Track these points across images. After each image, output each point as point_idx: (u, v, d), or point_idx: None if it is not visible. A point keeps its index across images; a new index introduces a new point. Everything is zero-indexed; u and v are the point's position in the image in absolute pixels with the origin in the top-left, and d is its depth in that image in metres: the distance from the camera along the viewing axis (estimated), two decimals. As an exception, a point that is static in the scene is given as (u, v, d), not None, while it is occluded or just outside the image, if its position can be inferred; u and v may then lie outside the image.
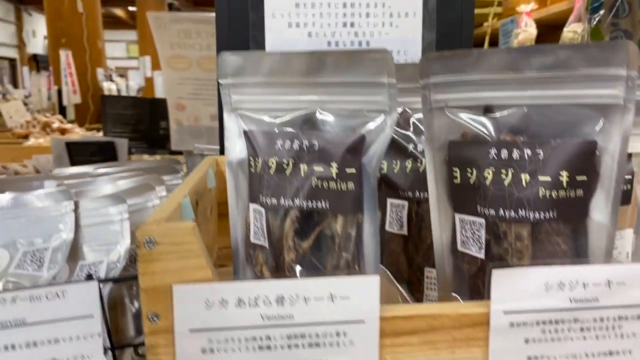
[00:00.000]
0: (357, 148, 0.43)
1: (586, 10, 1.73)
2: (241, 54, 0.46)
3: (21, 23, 12.86)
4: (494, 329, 0.42)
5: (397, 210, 0.57)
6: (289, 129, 0.46)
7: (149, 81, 6.05)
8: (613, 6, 1.71)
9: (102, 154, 1.57)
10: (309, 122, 0.46)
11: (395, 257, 0.58)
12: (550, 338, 0.42)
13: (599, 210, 0.44)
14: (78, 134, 4.14)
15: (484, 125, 0.46)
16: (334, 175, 0.43)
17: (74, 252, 0.55)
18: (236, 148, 0.49)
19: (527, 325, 0.42)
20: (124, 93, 6.61)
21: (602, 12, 1.72)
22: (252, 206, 0.48)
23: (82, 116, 5.58)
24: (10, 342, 0.41)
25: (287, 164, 0.45)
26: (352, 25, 0.84)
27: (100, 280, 0.42)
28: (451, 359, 0.42)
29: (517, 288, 0.41)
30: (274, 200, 0.46)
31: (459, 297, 0.50)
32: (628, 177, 0.68)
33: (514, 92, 0.44)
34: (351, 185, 0.44)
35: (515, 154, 0.44)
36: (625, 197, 0.68)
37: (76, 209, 0.56)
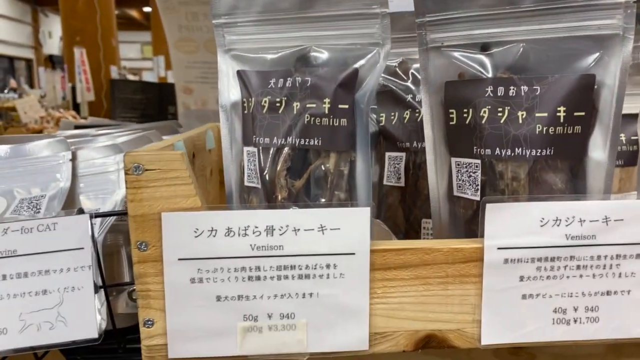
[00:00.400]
0: (350, 83, 0.43)
1: None
2: (234, -9, 0.46)
3: (37, 24, 13.04)
4: (487, 265, 0.41)
5: (394, 162, 0.56)
6: (282, 67, 0.46)
7: (163, 80, 6.10)
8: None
9: (111, 138, 1.58)
10: (302, 59, 0.45)
11: (393, 211, 0.57)
12: (545, 276, 0.41)
13: (598, 147, 0.43)
14: (104, 119, 4.17)
15: (480, 64, 0.45)
16: (327, 111, 0.43)
17: (71, 200, 0.55)
18: (230, 91, 0.48)
19: (522, 262, 0.41)
20: (137, 91, 6.65)
21: None
22: (246, 149, 0.47)
23: (96, 113, 5.63)
24: (2, 273, 0.41)
25: (280, 102, 0.45)
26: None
27: (91, 215, 0.42)
28: (443, 294, 0.41)
29: (511, 223, 0.41)
30: (267, 140, 0.45)
31: (455, 243, 0.49)
32: (634, 137, 0.66)
33: (510, 28, 0.44)
34: (344, 121, 0.43)
35: (512, 91, 0.43)
36: (631, 159, 0.66)
37: (73, 159, 0.56)
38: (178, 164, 0.38)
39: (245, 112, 0.47)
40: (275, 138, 0.45)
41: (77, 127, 1.54)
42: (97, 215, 0.44)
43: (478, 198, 0.46)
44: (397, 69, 0.56)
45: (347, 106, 0.43)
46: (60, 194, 0.54)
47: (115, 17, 6.33)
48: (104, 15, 5.82)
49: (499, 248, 0.41)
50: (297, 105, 0.44)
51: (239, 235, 0.39)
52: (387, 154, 0.57)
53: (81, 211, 0.43)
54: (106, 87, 5.87)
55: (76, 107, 5.61)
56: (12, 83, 7.94)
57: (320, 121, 0.43)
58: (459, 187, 0.47)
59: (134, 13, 12.88)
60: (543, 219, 0.41)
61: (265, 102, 0.45)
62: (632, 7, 0.39)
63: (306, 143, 0.44)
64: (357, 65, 0.43)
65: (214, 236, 0.39)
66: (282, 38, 0.46)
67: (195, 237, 0.39)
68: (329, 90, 0.43)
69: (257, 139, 0.46)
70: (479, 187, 0.46)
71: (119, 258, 0.55)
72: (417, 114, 0.55)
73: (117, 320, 0.49)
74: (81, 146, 0.63)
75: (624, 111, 0.58)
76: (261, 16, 0.45)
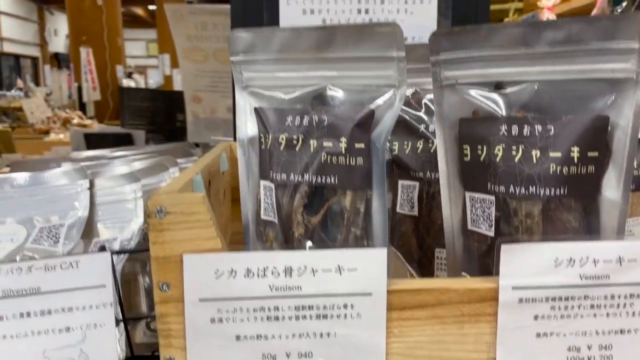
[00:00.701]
0: (366, 123, 0.44)
1: (608, 3, 1.70)
2: (252, 31, 0.46)
3: (43, 22, 13.08)
4: (502, 304, 0.41)
5: (408, 191, 0.57)
6: (299, 105, 0.46)
7: (168, 79, 6.12)
8: (635, -2, 1.69)
9: (120, 145, 1.60)
10: (319, 98, 0.46)
11: (406, 239, 0.58)
12: (559, 315, 0.42)
13: (611, 187, 0.43)
14: (112, 127, 4.20)
15: (494, 102, 0.46)
16: (343, 151, 0.44)
17: (89, 229, 0.56)
18: (247, 126, 0.49)
19: (536, 301, 0.42)
20: (143, 90, 6.68)
21: (624, 3, 1.69)
22: (263, 183, 0.48)
23: (102, 112, 5.66)
24: (25, 310, 0.42)
25: (297, 140, 0.45)
26: (366, 12, 0.84)
27: (112, 252, 0.43)
28: (459, 334, 0.42)
29: (526, 263, 0.41)
30: (284, 176, 0.46)
31: (468, 276, 0.49)
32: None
33: (524, 68, 0.44)
34: (360, 160, 0.44)
35: (526, 130, 0.44)
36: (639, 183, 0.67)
37: (91, 187, 0.57)
38: (199, 207, 0.39)
39: (263, 147, 0.48)
40: (292, 175, 0.46)
41: (86, 135, 1.55)
42: (118, 252, 0.45)
43: (492, 234, 0.47)
44: (411, 99, 0.57)
45: (363, 145, 0.44)
46: (78, 223, 0.55)
47: (121, 16, 6.35)
48: (110, 15, 5.84)
49: (513, 288, 0.41)
50: (314, 143, 0.45)
51: (258, 276, 0.40)
52: (400, 182, 0.58)
53: (102, 248, 0.43)
54: (112, 86, 5.90)
55: (82, 106, 5.64)
56: (19, 83, 7.99)
57: (337, 160, 0.44)
58: (473, 221, 0.48)
59: (139, 11, 12.90)
60: (557, 259, 0.41)
61: (282, 139, 0.46)
62: (647, 53, 0.39)
63: (323, 181, 0.44)
64: (373, 106, 0.44)
65: (234, 277, 0.40)
66: (299, 77, 0.46)
67: (216, 278, 0.40)
68: (346, 129, 0.44)
69: (274, 174, 0.46)
70: (493, 222, 0.46)
71: (137, 286, 0.56)
72: (430, 145, 0.55)
73: (135, 349, 0.50)
74: (98, 171, 0.64)
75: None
76: (279, 55, 0.46)
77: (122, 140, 1.59)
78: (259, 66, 0.47)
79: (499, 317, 0.42)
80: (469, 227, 0.48)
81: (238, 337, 0.40)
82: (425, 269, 0.57)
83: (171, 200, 0.39)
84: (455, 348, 0.42)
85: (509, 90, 0.45)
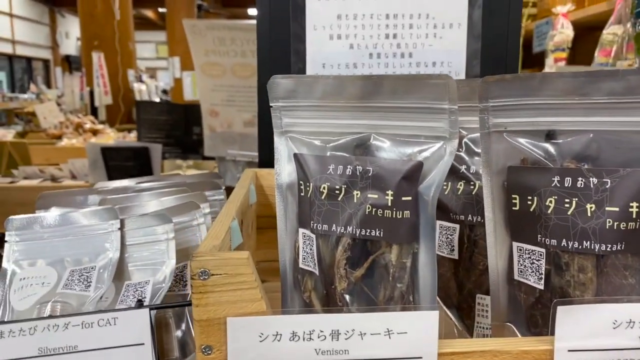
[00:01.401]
0: (414, 175, 0.42)
1: (630, 14, 1.67)
2: (293, 78, 0.45)
3: (55, 25, 13.16)
4: (557, 367, 0.40)
5: (447, 233, 0.55)
6: (342, 154, 0.45)
7: (178, 82, 6.13)
8: (659, 10, 1.65)
9: (137, 159, 1.59)
10: (362, 147, 0.44)
11: (445, 282, 0.56)
12: (617, 378, 0.40)
13: (671, 243, 0.41)
14: (109, 134, 4.21)
15: (545, 151, 0.44)
16: (390, 204, 0.42)
17: (120, 271, 0.55)
18: (286, 171, 0.48)
19: (594, 364, 0.40)
20: (153, 94, 6.70)
21: (649, 16, 1.66)
22: (302, 231, 0.47)
23: (113, 117, 5.68)
24: (62, 369, 0.41)
25: (340, 190, 0.44)
26: (394, 36, 0.82)
27: (151, 307, 0.41)
28: (512, 397, 0.40)
29: (583, 325, 0.39)
30: (326, 227, 0.44)
31: (514, 328, 0.48)
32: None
33: (579, 118, 0.42)
34: (407, 213, 0.42)
35: (580, 182, 0.42)
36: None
37: (122, 228, 0.56)
38: (244, 269, 0.38)
39: (302, 194, 0.46)
40: (334, 226, 0.44)
41: (103, 149, 1.54)
42: (157, 308, 0.44)
43: (541, 286, 0.45)
44: (451, 139, 0.55)
45: (410, 198, 0.42)
46: (110, 265, 0.54)
47: (133, 20, 6.38)
48: (122, 19, 5.86)
49: (569, 350, 0.40)
50: (357, 194, 0.43)
51: (303, 339, 0.38)
52: (439, 222, 0.56)
53: (140, 304, 0.42)
54: (123, 90, 5.92)
55: (94, 110, 5.66)
56: (33, 87, 8.03)
57: (382, 212, 0.42)
58: (521, 272, 0.46)
59: (149, 13, 12.95)
60: (616, 321, 0.39)
61: (324, 188, 0.44)
62: None
63: (367, 234, 0.43)
64: (421, 157, 0.42)
65: (279, 341, 0.38)
66: (341, 124, 0.45)
67: (260, 341, 0.38)
68: (392, 181, 0.42)
69: (315, 225, 0.45)
70: (543, 275, 0.44)
71: (168, 330, 0.54)
72: (471, 187, 0.53)
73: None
74: (125, 205, 0.63)
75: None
76: (321, 102, 0.45)
77: (139, 154, 1.58)
78: (299, 112, 0.46)
79: (554, 380, 0.40)
80: (516, 277, 0.47)
81: (283, 402, 0.39)
82: (465, 314, 0.55)
83: (215, 262, 0.37)
84: (508, 412, 0.40)
85: (561, 139, 0.43)
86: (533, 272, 0.45)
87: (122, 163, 1.57)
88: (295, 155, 0.47)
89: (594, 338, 0.39)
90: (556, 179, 0.43)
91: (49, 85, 11.22)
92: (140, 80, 6.71)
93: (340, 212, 0.44)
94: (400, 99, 0.42)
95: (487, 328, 0.53)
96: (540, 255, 0.44)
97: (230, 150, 1.58)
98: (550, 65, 2.73)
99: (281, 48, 0.82)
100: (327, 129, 0.46)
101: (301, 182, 0.46)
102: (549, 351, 0.40)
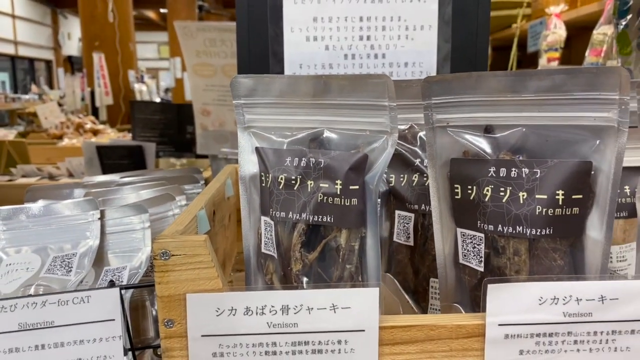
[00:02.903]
0: (360, 166, 0.46)
1: (613, 15, 1.70)
2: (253, 77, 0.49)
3: (57, 26, 13.24)
4: (489, 340, 0.44)
5: (404, 221, 0.59)
6: (297, 147, 0.49)
7: (179, 82, 6.17)
8: (641, 10, 1.69)
9: (131, 157, 1.63)
10: (316, 141, 0.48)
11: (403, 267, 0.60)
12: (544, 350, 0.44)
13: (595, 227, 0.45)
14: (110, 134, 4.26)
15: (483, 145, 0.48)
16: (339, 192, 0.46)
17: (100, 257, 0.59)
18: (248, 164, 0.52)
19: (522, 337, 0.44)
20: (154, 94, 6.76)
21: (629, 16, 1.69)
22: (263, 218, 0.51)
23: (114, 117, 5.74)
24: (40, 343, 0.45)
25: (295, 180, 0.48)
26: (368, 38, 0.86)
27: (121, 287, 0.45)
28: (448, 367, 0.44)
29: (511, 301, 0.43)
30: (283, 214, 0.48)
31: (460, 308, 0.52)
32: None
33: (512, 114, 0.46)
34: (354, 201, 0.46)
35: (514, 172, 0.46)
36: (635, 211, 0.68)
37: (102, 218, 0.60)
38: (201, 250, 0.42)
39: (263, 185, 0.50)
40: (290, 213, 0.48)
41: (98, 148, 1.58)
42: (126, 287, 0.48)
43: (482, 269, 0.49)
44: (407, 134, 0.59)
45: (357, 187, 0.46)
46: (90, 252, 0.58)
47: (133, 20, 6.42)
48: (122, 20, 5.91)
49: (499, 324, 0.44)
50: (311, 184, 0.47)
51: (256, 314, 0.42)
52: (397, 212, 0.60)
53: (112, 283, 0.46)
54: (124, 91, 5.97)
55: (95, 111, 5.71)
56: (34, 88, 8.10)
57: (332, 200, 0.46)
58: (464, 256, 0.50)
59: (150, 14, 13.01)
60: (542, 297, 0.43)
61: (281, 178, 0.48)
62: (627, 104, 0.41)
63: (319, 220, 0.47)
64: (367, 150, 0.46)
65: (234, 315, 0.42)
66: (297, 120, 0.49)
67: (217, 315, 0.42)
68: (341, 172, 0.46)
69: (274, 212, 0.49)
70: (483, 258, 0.48)
71: (145, 312, 0.58)
72: (425, 179, 0.57)
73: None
74: (108, 199, 0.67)
75: (629, 164, 0.61)
76: (278, 99, 0.49)
77: (134, 152, 1.62)
78: (259, 109, 0.50)
79: (486, 352, 0.44)
80: (461, 260, 0.51)
81: (238, 371, 0.43)
82: (421, 297, 0.59)
83: (175, 244, 0.41)
84: (444, 381, 0.44)
85: (497, 133, 0.47)
86: (475, 255, 0.49)
87: (117, 161, 1.62)
88: (256, 148, 0.51)
89: (522, 313, 0.43)
90: (492, 169, 0.47)
91: (51, 86, 11.29)
92: (141, 80, 6.76)
93: (296, 201, 0.48)
94: (347, 97, 0.46)
95: (438, 310, 0.57)
96: (480, 240, 0.48)
97: (222, 149, 1.62)
98: (543, 65, 2.76)
99: (260, 50, 0.86)
100: (285, 124, 0.50)
101: (262, 173, 0.51)
102: (481, 325, 0.44)
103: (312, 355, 0.43)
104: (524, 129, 0.46)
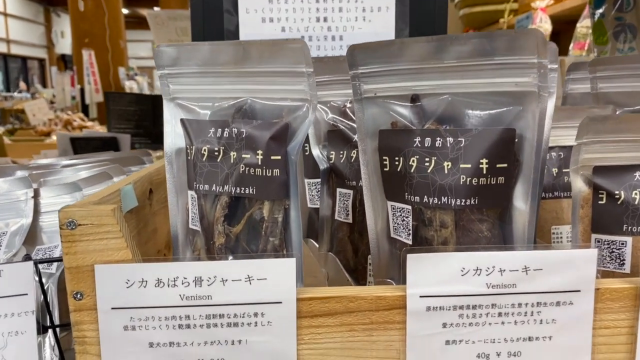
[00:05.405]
0: (282, 136, 0.45)
1: (589, 4, 1.69)
2: (175, 46, 0.48)
3: (50, 24, 13.19)
4: (410, 312, 0.42)
5: (344, 199, 0.58)
6: (221, 118, 0.48)
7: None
8: (617, 0, 1.68)
9: (106, 148, 1.61)
10: (240, 111, 0.47)
11: (343, 245, 0.59)
12: (468, 322, 0.43)
13: (520, 197, 0.44)
14: (98, 131, 4.24)
15: (410, 114, 0.47)
16: (260, 163, 0.45)
17: (33, 236, 0.58)
18: (174, 137, 0.50)
19: (444, 309, 0.42)
20: (145, 91, 6.72)
21: (605, 5, 1.68)
22: (189, 193, 0.50)
23: (104, 114, 5.71)
24: (-50, 318, 0.44)
25: (218, 152, 0.47)
26: (325, 20, 0.85)
27: (36, 261, 0.44)
28: (369, 340, 0.43)
29: (433, 272, 0.42)
30: (207, 187, 0.47)
31: (393, 283, 0.50)
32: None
33: (436, 82, 0.45)
34: (276, 172, 0.45)
35: (438, 142, 0.45)
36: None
37: (36, 197, 0.59)
38: (109, 219, 0.40)
39: (189, 158, 0.49)
40: (214, 185, 0.47)
41: (72, 139, 1.57)
42: (42, 262, 0.46)
43: (410, 242, 0.48)
44: (346, 110, 0.58)
45: (279, 157, 0.45)
46: (22, 230, 0.57)
47: (124, 18, 6.40)
48: (112, 17, 5.89)
49: (421, 296, 0.42)
50: (233, 155, 0.46)
51: (168, 286, 0.41)
52: (338, 189, 0.59)
53: (28, 258, 0.45)
54: (115, 88, 5.95)
55: (85, 108, 5.69)
56: (22, 85, 8.06)
57: (254, 171, 0.45)
58: (395, 229, 0.49)
59: (144, 12, 12.98)
60: (464, 268, 0.42)
61: (205, 150, 0.47)
62: (545, 68, 0.40)
63: (242, 192, 0.46)
64: (287, 119, 0.45)
65: (145, 287, 0.41)
66: (221, 90, 0.48)
67: (127, 287, 0.41)
68: (262, 142, 0.45)
69: (198, 185, 0.48)
70: (411, 231, 0.47)
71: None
72: (363, 154, 0.56)
73: (71, 356, 0.51)
74: (47, 178, 0.66)
75: (568, 143, 0.60)
76: (201, 69, 0.47)
77: (108, 144, 1.60)
78: (183, 79, 0.49)
79: (407, 325, 0.43)
80: (392, 234, 0.49)
81: (151, 345, 0.42)
82: (361, 275, 0.58)
83: (81, 213, 0.40)
84: (365, 355, 0.43)
85: (423, 102, 0.46)
86: (404, 228, 0.48)
87: (92, 153, 1.60)
88: (181, 120, 0.49)
89: (444, 285, 0.42)
90: (417, 139, 0.46)
91: (44, 84, 11.24)
92: (132, 78, 6.74)
93: (219, 173, 0.47)
94: (267, 64, 0.45)
95: (375, 287, 0.56)
96: (408, 212, 0.47)
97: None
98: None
99: (215, 31, 0.85)
100: (209, 94, 0.48)
101: (187, 146, 0.49)
102: (402, 297, 0.42)
103: (228, 328, 0.42)
104: (449, 98, 0.45)
